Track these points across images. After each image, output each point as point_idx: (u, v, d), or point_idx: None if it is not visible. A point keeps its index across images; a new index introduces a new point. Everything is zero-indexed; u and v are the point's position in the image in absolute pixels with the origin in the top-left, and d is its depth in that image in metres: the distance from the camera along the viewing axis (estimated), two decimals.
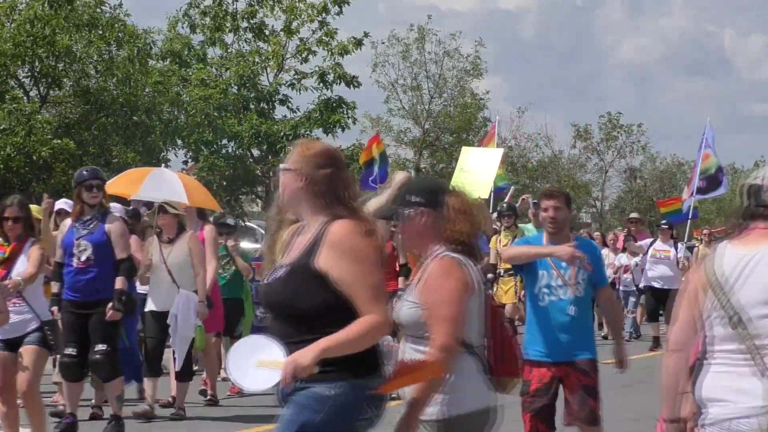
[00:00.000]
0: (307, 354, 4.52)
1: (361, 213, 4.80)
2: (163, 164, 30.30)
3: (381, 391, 4.68)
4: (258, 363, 4.57)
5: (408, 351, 5.09)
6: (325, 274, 4.63)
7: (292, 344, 4.60)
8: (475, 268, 5.14)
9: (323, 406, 4.59)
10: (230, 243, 13.50)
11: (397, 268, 12.55)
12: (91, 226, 10.21)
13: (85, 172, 10.41)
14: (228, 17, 34.37)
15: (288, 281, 4.71)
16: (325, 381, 4.59)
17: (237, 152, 34.16)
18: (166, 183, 12.90)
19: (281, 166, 4.91)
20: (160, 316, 11.30)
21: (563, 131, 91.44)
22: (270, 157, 34.06)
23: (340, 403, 4.60)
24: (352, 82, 34.06)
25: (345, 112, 33.99)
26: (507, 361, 5.23)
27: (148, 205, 13.62)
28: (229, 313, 12.95)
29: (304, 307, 4.65)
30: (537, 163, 48.35)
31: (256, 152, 34.85)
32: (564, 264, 7.51)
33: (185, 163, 34.31)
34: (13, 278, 8.88)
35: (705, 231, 23.58)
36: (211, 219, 13.90)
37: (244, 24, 34.52)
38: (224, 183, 33.56)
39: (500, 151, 18.99)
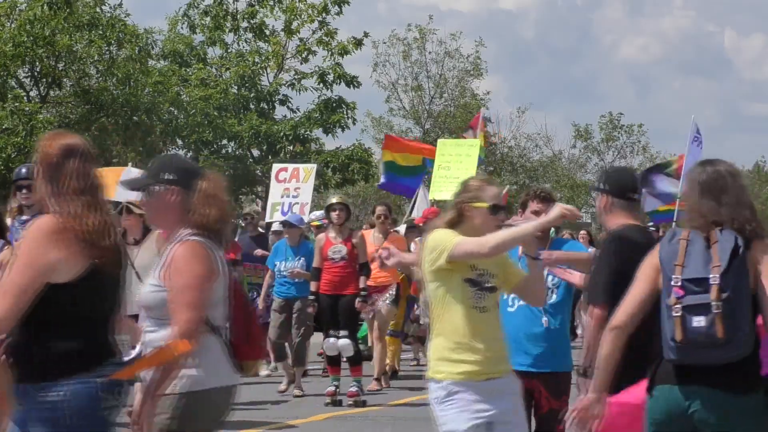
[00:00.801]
0: None
1: (68, 207, 4.83)
2: None
3: (118, 377, 4.69)
4: None
5: (148, 332, 5.09)
6: None
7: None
8: (221, 253, 5.11)
9: (61, 412, 4.62)
10: None
11: (358, 268, 12.89)
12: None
13: (23, 170, 9.92)
14: (228, 17, 34.41)
15: None
16: (49, 386, 4.63)
17: (237, 152, 34.20)
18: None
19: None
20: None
21: (563, 131, 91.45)
22: (270, 157, 34.07)
23: (74, 403, 4.62)
24: (352, 82, 34.06)
25: (345, 112, 33.99)
26: (250, 343, 5.24)
27: (115, 204, 13.44)
28: None
29: None
30: (537, 162, 48.33)
31: (256, 152, 34.85)
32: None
33: None
34: None
35: None
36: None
37: (244, 24, 34.55)
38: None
39: (477, 142, 18.51)
